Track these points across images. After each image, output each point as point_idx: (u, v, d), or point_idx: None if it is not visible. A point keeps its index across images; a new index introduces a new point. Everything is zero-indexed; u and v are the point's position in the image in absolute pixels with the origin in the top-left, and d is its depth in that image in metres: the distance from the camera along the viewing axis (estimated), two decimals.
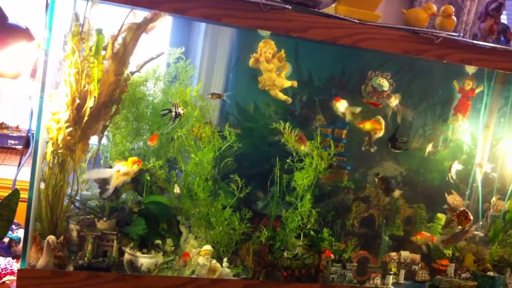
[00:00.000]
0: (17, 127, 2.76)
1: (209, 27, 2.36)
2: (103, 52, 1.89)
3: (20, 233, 2.14)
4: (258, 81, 2.17)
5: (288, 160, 2.09)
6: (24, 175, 2.15)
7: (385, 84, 2.29)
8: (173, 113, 2.00)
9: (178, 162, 2.12)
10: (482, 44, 2.01)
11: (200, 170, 2.05)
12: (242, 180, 2.08)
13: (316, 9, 1.88)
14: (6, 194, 2.35)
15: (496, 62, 2.03)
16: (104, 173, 1.92)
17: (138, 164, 1.89)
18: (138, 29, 1.93)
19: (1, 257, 1.96)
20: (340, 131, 2.33)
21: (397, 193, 2.27)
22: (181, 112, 2.01)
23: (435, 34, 1.94)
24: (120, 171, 1.89)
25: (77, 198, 2.01)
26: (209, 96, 2.15)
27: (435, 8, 2.03)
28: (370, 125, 2.16)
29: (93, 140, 2.01)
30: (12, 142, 2.76)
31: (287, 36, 1.90)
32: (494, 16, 2.05)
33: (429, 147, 2.36)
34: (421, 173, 2.45)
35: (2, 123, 2.73)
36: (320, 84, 2.38)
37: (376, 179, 2.26)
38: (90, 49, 1.86)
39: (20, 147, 2.77)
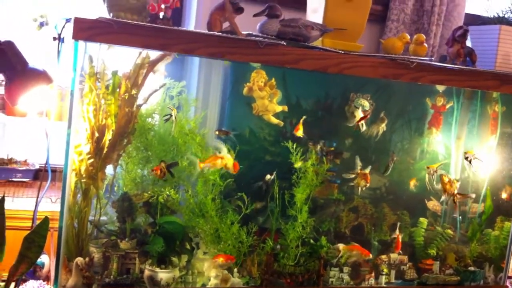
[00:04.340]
0: (25, 161, 2.93)
1: (204, 60, 2.59)
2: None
3: (43, 258, 2.32)
4: (252, 108, 2.41)
5: (294, 177, 2.34)
6: (36, 205, 2.34)
7: (366, 104, 2.55)
8: (173, 117, 2.24)
9: (185, 186, 2.34)
10: (451, 66, 2.28)
11: (209, 189, 2.26)
12: (243, 198, 2.30)
13: (306, 43, 2.13)
14: (21, 224, 2.56)
15: (464, 81, 2.31)
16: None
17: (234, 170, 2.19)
18: (147, 68, 2.16)
19: (33, 280, 2.14)
20: (328, 149, 2.56)
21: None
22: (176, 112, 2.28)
23: (410, 60, 2.20)
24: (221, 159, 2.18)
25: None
26: (217, 132, 2.38)
27: (409, 37, 2.30)
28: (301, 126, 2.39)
29: (108, 169, 2.22)
30: (20, 175, 2.93)
31: (276, 66, 2.14)
32: (460, 41, 2.32)
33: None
34: (403, 183, 2.69)
35: (11, 158, 2.90)
36: (308, 108, 2.62)
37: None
38: (107, 88, 2.08)
39: (28, 179, 2.94)
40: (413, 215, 2.67)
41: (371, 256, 2.39)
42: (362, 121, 2.46)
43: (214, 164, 2.20)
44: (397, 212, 2.65)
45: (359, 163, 2.43)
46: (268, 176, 2.36)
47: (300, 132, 2.36)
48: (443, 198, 2.45)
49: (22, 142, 2.99)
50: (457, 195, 2.42)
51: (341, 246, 2.37)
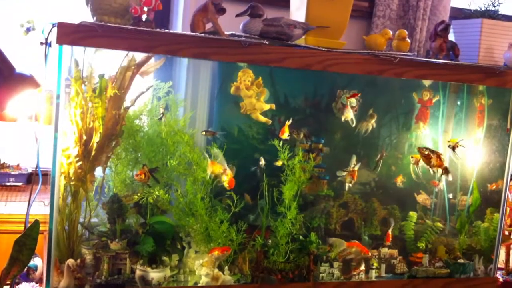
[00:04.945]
0: (18, 165, 2.95)
1: (191, 61, 2.61)
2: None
3: (36, 261, 2.34)
4: (240, 107, 2.44)
5: (282, 175, 2.36)
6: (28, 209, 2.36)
7: (352, 100, 2.57)
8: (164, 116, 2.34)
9: (174, 185, 2.36)
10: (434, 61, 2.30)
11: (198, 188, 2.28)
12: (233, 197, 2.33)
13: (289, 42, 2.16)
14: (16, 228, 2.58)
15: (447, 75, 2.33)
16: None
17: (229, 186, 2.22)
18: (133, 70, 2.18)
19: (26, 283, 2.17)
20: (316, 145, 2.59)
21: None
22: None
23: (393, 55, 2.23)
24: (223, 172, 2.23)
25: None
26: (203, 133, 2.40)
27: (391, 33, 2.32)
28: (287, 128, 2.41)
29: (97, 171, 2.24)
30: (13, 179, 2.95)
31: (260, 65, 2.17)
32: (442, 36, 2.34)
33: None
34: (391, 177, 2.71)
35: (4, 163, 2.92)
36: (296, 105, 2.65)
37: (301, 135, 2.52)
38: (94, 91, 2.10)
39: (21, 184, 2.96)
40: (403, 209, 2.70)
41: (370, 254, 2.42)
42: (352, 101, 2.49)
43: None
44: (387, 206, 2.68)
45: (354, 162, 2.46)
46: (261, 162, 2.40)
47: (285, 135, 2.38)
48: (431, 172, 2.48)
49: (14, 147, 3.01)
50: (445, 169, 2.45)
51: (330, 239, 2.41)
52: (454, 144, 2.51)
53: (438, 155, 2.44)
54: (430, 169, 2.49)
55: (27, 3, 2.88)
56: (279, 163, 2.37)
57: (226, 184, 2.23)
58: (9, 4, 2.85)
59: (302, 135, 2.48)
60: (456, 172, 2.74)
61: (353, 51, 2.23)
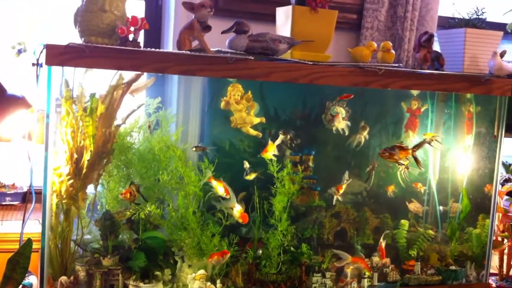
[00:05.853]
0: (13, 184, 2.98)
1: (182, 77, 2.64)
2: None
3: (31, 279, 2.37)
4: (231, 121, 2.47)
5: (273, 187, 2.39)
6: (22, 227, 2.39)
7: (342, 111, 2.60)
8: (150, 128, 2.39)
9: (166, 200, 2.39)
10: (419, 71, 2.34)
11: (190, 202, 2.31)
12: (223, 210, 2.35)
13: (274, 57, 2.19)
14: (12, 247, 2.60)
15: (433, 85, 2.37)
16: None
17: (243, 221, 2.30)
18: (123, 88, 2.22)
19: None
20: (307, 157, 2.62)
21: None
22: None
23: (377, 67, 2.26)
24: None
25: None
26: (194, 149, 2.43)
27: (376, 45, 2.36)
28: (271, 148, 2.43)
29: (89, 188, 2.27)
30: (9, 199, 2.97)
31: (246, 80, 2.20)
32: (426, 46, 2.38)
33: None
34: (383, 186, 2.74)
35: (0, 182, 2.96)
36: (286, 118, 2.68)
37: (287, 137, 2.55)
38: (85, 110, 2.13)
39: (17, 202, 2.99)
40: (395, 218, 2.72)
41: (371, 273, 2.44)
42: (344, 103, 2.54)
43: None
44: (379, 215, 2.70)
45: (346, 177, 2.49)
46: (246, 164, 2.44)
47: (268, 154, 2.40)
48: (401, 168, 2.47)
49: (9, 166, 3.04)
50: (413, 150, 2.43)
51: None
52: (430, 138, 2.52)
53: (399, 147, 2.40)
54: (397, 164, 2.46)
55: (18, 25, 2.92)
56: (250, 177, 2.41)
57: (240, 220, 2.29)
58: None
59: (288, 137, 2.51)
60: (446, 180, 2.77)
61: (338, 64, 2.27)
